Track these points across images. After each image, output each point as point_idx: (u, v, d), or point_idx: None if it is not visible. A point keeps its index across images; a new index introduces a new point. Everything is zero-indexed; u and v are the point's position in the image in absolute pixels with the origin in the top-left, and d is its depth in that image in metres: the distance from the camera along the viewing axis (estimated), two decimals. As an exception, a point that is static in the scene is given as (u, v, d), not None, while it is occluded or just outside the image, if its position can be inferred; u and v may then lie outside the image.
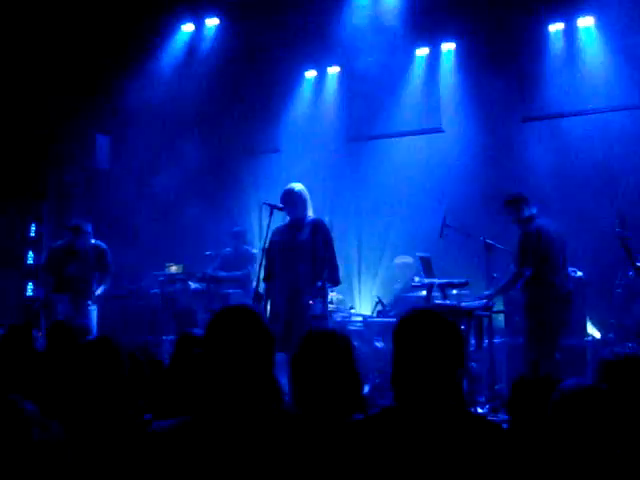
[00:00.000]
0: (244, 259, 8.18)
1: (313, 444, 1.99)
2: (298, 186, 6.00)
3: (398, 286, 7.84)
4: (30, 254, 8.59)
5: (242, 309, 2.11)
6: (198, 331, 3.40)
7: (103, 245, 7.21)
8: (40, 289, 7.77)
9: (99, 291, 7.08)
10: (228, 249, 8.31)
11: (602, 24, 7.53)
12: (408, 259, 7.80)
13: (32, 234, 8.65)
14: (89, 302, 6.95)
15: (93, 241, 7.17)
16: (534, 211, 6.04)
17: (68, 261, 7.02)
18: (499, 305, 6.64)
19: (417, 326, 2.06)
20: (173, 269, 8.52)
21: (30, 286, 8.49)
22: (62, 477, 1.58)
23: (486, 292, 6.21)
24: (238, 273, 8.12)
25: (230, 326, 2.03)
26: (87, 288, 6.98)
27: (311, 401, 2.46)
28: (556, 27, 7.81)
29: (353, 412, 2.52)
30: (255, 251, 8.18)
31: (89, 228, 7.13)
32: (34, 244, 8.63)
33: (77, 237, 7.02)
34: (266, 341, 2.05)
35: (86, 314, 6.88)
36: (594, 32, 7.61)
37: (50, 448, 1.70)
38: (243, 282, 8.15)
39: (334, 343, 2.61)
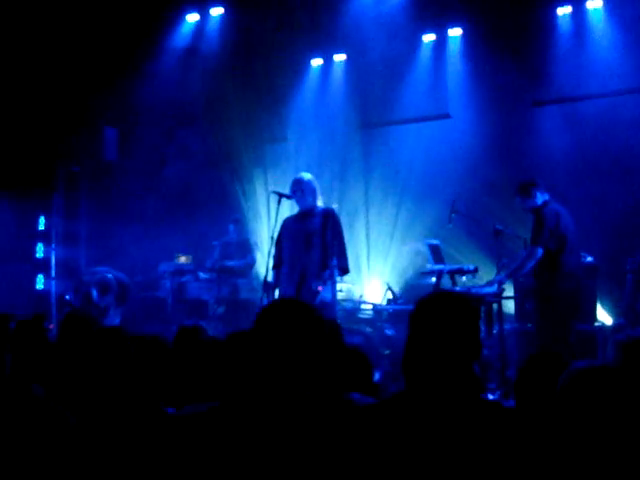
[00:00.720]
0: (246, 246, 8.19)
1: (327, 429, 1.99)
2: (307, 176, 6.00)
3: (409, 273, 7.83)
4: (40, 247, 8.63)
5: (293, 302, 2.12)
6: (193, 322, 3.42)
7: None
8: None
9: None
10: (230, 236, 8.28)
11: (611, 5, 7.45)
12: (418, 245, 7.78)
13: (41, 227, 8.68)
14: None
15: None
16: (547, 197, 6.00)
17: None
18: (509, 291, 6.61)
19: (436, 307, 2.04)
20: (182, 260, 8.55)
21: (40, 279, 8.53)
22: (79, 464, 1.58)
23: (498, 277, 6.17)
24: (244, 261, 8.12)
25: (284, 319, 2.04)
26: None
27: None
28: (564, 10, 7.74)
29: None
30: (255, 239, 8.21)
31: None
32: (44, 237, 8.66)
33: None
34: (317, 333, 2.05)
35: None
36: (603, 13, 7.53)
37: (63, 435, 1.72)
38: (249, 270, 8.17)
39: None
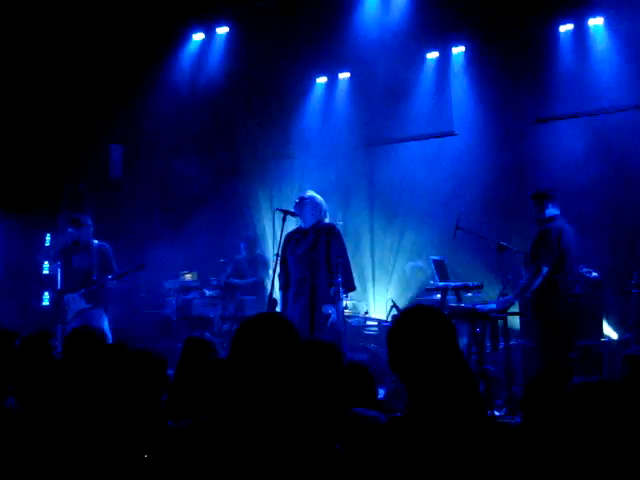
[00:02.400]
0: (257, 264, 8.22)
1: (322, 448, 1.99)
2: (310, 192, 6.04)
3: (413, 289, 7.83)
4: (46, 264, 8.66)
5: (271, 316, 2.13)
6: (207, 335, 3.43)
7: (106, 245, 7.03)
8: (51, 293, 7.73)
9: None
10: (242, 254, 8.33)
11: (612, 23, 7.50)
12: (421, 263, 7.79)
13: (47, 244, 8.72)
14: (95, 304, 6.88)
15: (97, 242, 7.04)
16: (557, 212, 6.00)
17: (72, 253, 6.95)
18: (514, 307, 6.61)
19: (406, 324, 2.04)
20: (188, 277, 8.57)
21: (46, 295, 8.56)
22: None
23: (508, 297, 6.14)
24: (252, 279, 8.16)
25: (258, 333, 2.05)
26: (91, 283, 6.85)
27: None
28: (566, 27, 7.80)
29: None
30: (267, 256, 8.22)
31: (89, 221, 7.07)
32: (48, 254, 8.70)
33: (78, 230, 6.93)
34: (294, 346, 2.06)
35: (96, 315, 6.81)
36: (604, 31, 7.58)
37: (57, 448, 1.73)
38: (257, 288, 8.19)
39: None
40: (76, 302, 6.81)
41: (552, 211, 5.98)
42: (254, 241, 8.51)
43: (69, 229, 7.04)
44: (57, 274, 7.25)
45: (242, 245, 8.36)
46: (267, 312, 2.16)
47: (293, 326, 2.11)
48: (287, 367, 2.02)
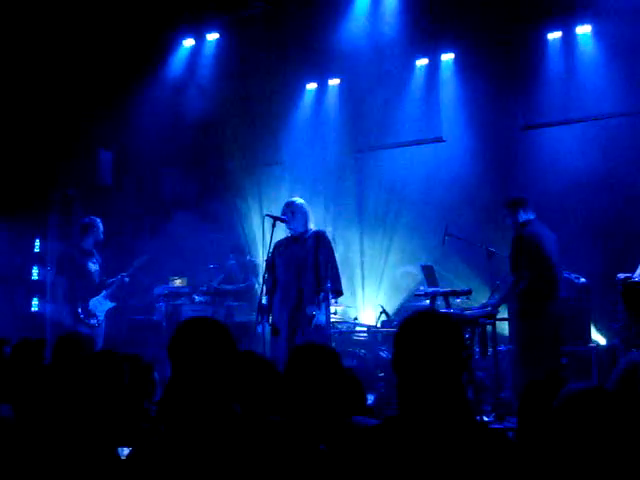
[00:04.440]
0: (247, 270, 8.26)
1: (304, 452, 2.00)
2: (299, 199, 6.05)
3: (403, 295, 7.86)
4: (35, 269, 8.64)
5: (205, 320, 2.14)
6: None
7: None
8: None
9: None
10: (231, 262, 8.38)
11: (599, 32, 7.57)
12: (410, 269, 7.82)
13: (37, 249, 8.69)
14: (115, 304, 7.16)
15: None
16: (531, 216, 6.07)
17: (86, 259, 7.11)
18: (503, 313, 6.65)
19: (418, 328, 2.05)
20: (177, 283, 8.56)
21: (35, 301, 8.53)
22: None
23: (490, 301, 6.21)
24: (242, 285, 8.19)
25: (193, 337, 2.06)
26: (109, 285, 7.11)
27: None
28: (554, 35, 7.86)
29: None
30: (258, 261, 8.25)
31: (101, 225, 7.24)
32: (39, 259, 8.67)
33: (92, 234, 7.12)
34: (228, 351, 2.08)
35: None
36: (592, 39, 7.66)
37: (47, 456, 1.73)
38: (248, 294, 8.21)
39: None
40: (102, 304, 7.01)
41: (524, 216, 6.06)
42: (242, 248, 8.56)
43: (88, 233, 7.11)
44: (56, 280, 7.29)
45: (231, 255, 8.45)
46: (201, 317, 2.17)
47: (227, 330, 2.12)
48: (222, 370, 2.03)
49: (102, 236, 7.20)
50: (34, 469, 2.17)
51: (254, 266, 8.32)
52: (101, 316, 7.04)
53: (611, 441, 2.03)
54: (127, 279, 7.22)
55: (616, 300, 5.92)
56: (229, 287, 8.20)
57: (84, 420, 2.44)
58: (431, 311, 2.19)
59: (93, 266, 7.10)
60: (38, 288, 8.59)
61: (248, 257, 8.49)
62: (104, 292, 7.06)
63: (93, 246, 7.15)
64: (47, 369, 3.66)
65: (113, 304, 7.16)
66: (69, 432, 2.34)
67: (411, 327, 2.07)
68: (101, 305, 7.06)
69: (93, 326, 6.96)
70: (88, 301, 6.99)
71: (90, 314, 6.98)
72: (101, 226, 7.19)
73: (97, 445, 2.31)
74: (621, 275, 5.69)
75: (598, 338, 6.99)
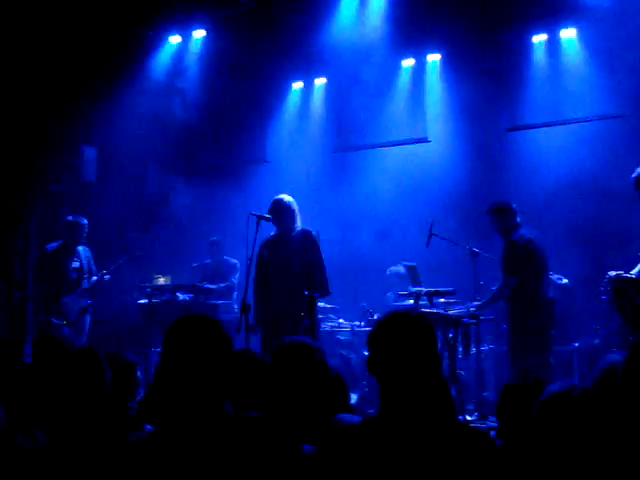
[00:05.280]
0: (225, 270, 8.26)
1: (287, 452, 2.00)
2: (287, 197, 6.04)
3: (389, 295, 7.87)
4: (17, 267, 8.55)
5: (202, 318, 2.14)
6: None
7: (87, 248, 7.36)
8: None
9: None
10: (207, 260, 8.39)
11: (584, 35, 7.64)
12: (400, 269, 7.82)
13: (19, 247, 8.60)
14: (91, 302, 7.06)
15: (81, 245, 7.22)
16: (518, 220, 6.10)
17: (66, 256, 7.07)
18: (486, 313, 6.68)
19: (390, 330, 2.07)
20: (161, 280, 8.52)
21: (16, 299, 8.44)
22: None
23: (475, 302, 6.24)
24: (223, 285, 8.21)
25: (190, 334, 2.06)
26: (86, 283, 7.04)
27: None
28: (539, 38, 7.92)
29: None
30: (234, 261, 8.25)
31: (86, 223, 7.19)
32: (21, 257, 8.58)
33: (79, 233, 7.10)
34: (225, 349, 2.07)
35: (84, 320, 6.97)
36: (576, 42, 7.72)
37: (34, 456, 1.72)
38: (229, 293, 8.22)
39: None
40: (76, 301, 6.91)
41: (512, 221, 6.11)
42: (219, 246, 8.53)
43: (73, 231, 7.05)
44: (30, 278, 7.26)
45: (209, 252, 8.49)
46: (196, 314, 2.17)
47: (222, 327, 2.12)
48: (217, 368, 2.02)
49: (84, 234, 7.15)
50: (23, 469, 2.15)
51: (230, 265, 8.33)
52: (72, 315, 6.91)
53: (589, 441, 2.04)
54: (107, 277, 7.17)
55: (601, 299, 5.96)
56: (212, 286, 8.19)
57: (67, 418, 2.42)
58: (403, 311, 2.21)
59: (72, 264, 7.02)
60: (20, 286, 8.51)
61: (224, 256, 8.49)
62: (80, 289, 7.01)
63: (76, 244, 7.10)
64: (28, 367, 3.64)
65: (89, 301, 7.11)
66: (54, 430, 2.33)
67: (383, 328, 2.09)
68: (75, 303, 6.95)
69: (61, 324, 6.84)
70: (61, 299, 6.90)
71: (60, 312, 6.88)
72: (86, 224, 7.14)
73: (82, 443, 2.29)
74: (612, 273, 5.71)
75: (580, 339, 7.04)
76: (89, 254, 7.36)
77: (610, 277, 5.68)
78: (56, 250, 7.21)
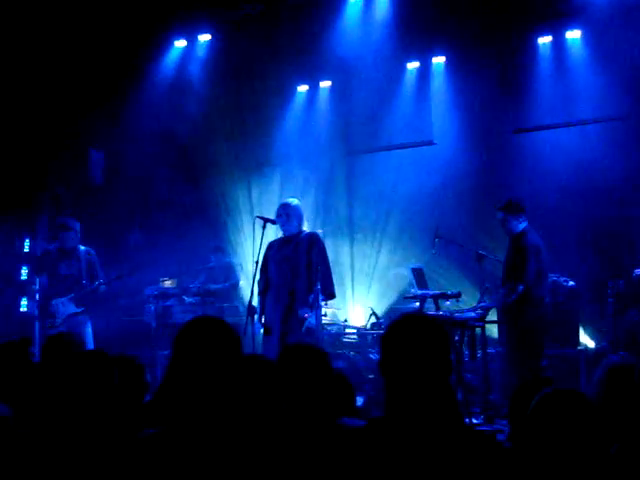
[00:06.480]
0: (228, 270, 8.31)
1: (298, 451, 2.01)
2: (294, 201, 6.05)
3: (392, 297, 7.88)
4: (24, 269, 8.58)
5: (212, 320, 2.14)
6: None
7: (92, 251, 7.03)
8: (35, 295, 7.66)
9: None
10: (211, 263, 8.43)
11: (589, 36, 7.63)
12: (402, 270, 7.83)
13: (26, 249, 8.64)
14: (84, 309, 6.87)
15: (83, 247, 7.04)
16: (526, 225, 6.03)
17: (59, 260, 6.91)
18: (492, 315, 6.67)
19: (405, 331, 2.06)
20: (167, 283, 8.55)
21: (24, 301, 8.48)
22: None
23: (482, 304, 6.21)
24: (227, 284, 8.25)
25: (202, 335, 2.06)
26: (81, 288, 6.85)
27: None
28: (544, 39, 7.92)
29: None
30: (238, 261, 8.29)
31: (77, 226, 7.01)
32: (28, 259, 8.62)
33: (65, 235, 6.89)
34: (235, 350, 2.08)
35: (82, 321, 6.82)
36: (581, 43, 7.71)
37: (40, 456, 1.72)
38: (233, 294, 8.26)
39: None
40: (65, 306, 6.81)
41: (524, 224, 6.02)
42: (223, 249, 8.59)
43: (61, 234, 6.96)
44: (37, 281, 7.21)
45: (212, 257, 8.49)
46: (206, 315, 2.18)
47: (232, 329, 2.12)
48: (227, 369, 2.03)
49: (77, 237, 6.93)
50: (31, 468, 2.17)
51: (233, 267, 8.38)
52: (59, 319, 6.76)
53: (585, 443, 2.04)
54: (103, 287, 6.93)
55: (608, 302, 5.95)
56: (215, 287, 8.22)
57: (76, 419, 2.44)
58: (418, 314, 2.20)
59: (67, 267, 6.86)
60: (27, 289, 8.54)
61: (227, 259, 8.53)
62: (72, 295, 6.77)
63: (69, 247, 6.89)
64: (36, 368, 3.65)
65: (79, 309, 6.81)
66: (63, 431, 2.34)
67: (398, 330, 2.08)
68: (64, 307, 6.78)
69: (49, 327, 6.74)
70: (51, 300, 6.85)
71: (49, 314, 6.82)
72: (78, 227, 6.97)
73: (88, 444, 2.30)
74: (638, 271, 5.67)
75: (587, 341, 7.03)
76: (94, 258, 7.00)
77: (637, 274, 5.66)
78: (49, 252, 7.10)
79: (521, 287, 5.84)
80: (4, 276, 8.51)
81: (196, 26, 8.70)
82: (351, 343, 7.42)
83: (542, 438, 2.06)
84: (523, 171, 7.80)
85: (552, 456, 2.04)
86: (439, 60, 8.45)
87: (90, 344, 6.67)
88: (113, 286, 7.30)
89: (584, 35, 7.69)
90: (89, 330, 6.82)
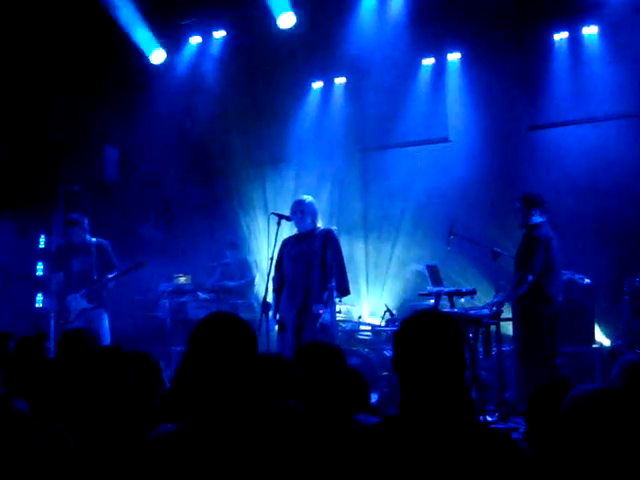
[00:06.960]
0: (244, 267, 8.33)
1: (313, 446, 2.01)
2: (308, 198, 6.06)
3: (407, 294, 7.86)
4: (40, 265, 8.65)
5: (228, 316, 2.14)
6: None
7: (104, 242, 6.99)
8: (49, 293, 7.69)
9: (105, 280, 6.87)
10: (227, 260, 8.45)
11: (606, 32, 7.56)
12: (417, 267, 7.81)
13: (42, 245, 8.71)
14: (96, 304, 6.87)
15: (94, 239, 7.02)
16: (543, 219, 6.02)
17: (72, 256, 6.93)
18: (507, 313, 6.64)
19: (419, 328, 2.06)
20: (182, 280, 8.58)
21: (40, 297, 8.55)
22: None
23: (494, 300, 6.20)
24: (243, 282, 8.27)
25: (217, 332, 2.07)
26: (92, 283, 6.85)
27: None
28: (561, 35, 7.86)
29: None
30: (254, 258, 8.30)
31: (85, 220, 7.01)
32: (44, 256, 8.68)
33: (73, 230, 6.90)
34: (250, 347, 2.08)
35: (97, 316, 6.83)
36: (598, 39, 7.65)
37: (58, 452, 1.74)
38: (248, 290, 8.28)
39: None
40: (78, 302, 6.83)
41: (538, 218, 6.00)
42: (238, 246, 8.61)
43: (68, 229, 6.98)
44: (52, 276, 7.25)
45: (227, 252, 8.51)
46: (221, 312, 2.18)
47: (248, 326, 2.12)
48: (242, 366, 2.03)
49: (85, 232, 6.92)
50: (49, 463, 2.18)
51: (249, 263, 8.40)
52: (73, 314, 6.79)
53: (620, 442, 2.02)
54: (112, 284, 6.89)
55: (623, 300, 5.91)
56: (231, 283, 8.25)
57: (90, 415, 2.45)
58: (432, 311, 2.18)
59: (79, 263, 6.87)
60: (42, 284, 8.61)
61: (243, 255, 8.55)
62: (83, 291, 6.77)
63: (80, 242, 6.88)
64: (51, 363, 3.68)
65: (90, 305, 6.80)
66: (76, 426, 2.36)
67: (411, 327, 2.08)
68: (76, 303, 6.80)
69: (63, 322, 6.76)
70: (65, 297, 6.87)
71: (64, 310, 6.82)
72: (85, 222, 6.96)
73: (104, 440, 2.32)
74: None
75: (602, 339, 6.98)
76: (105, 247, 6.93)
77: None
78: (62, 248, 7.10)
79: (530, 277, 5.83)
80: (20, 272, 8.57)
81: (211, 23, 8.72)
82: (365, 340, 7.41)
83: (581, 439, 2.04)
84: (538, 168, 7.75)
85: (592, 456, 2.01)
86: (454, 57, 8.41)
87: (106, 339, 6.70)
88: (127, 282, 7.32)
89: (601, 31, 7.62)
90: (105, 325, 6.82)
